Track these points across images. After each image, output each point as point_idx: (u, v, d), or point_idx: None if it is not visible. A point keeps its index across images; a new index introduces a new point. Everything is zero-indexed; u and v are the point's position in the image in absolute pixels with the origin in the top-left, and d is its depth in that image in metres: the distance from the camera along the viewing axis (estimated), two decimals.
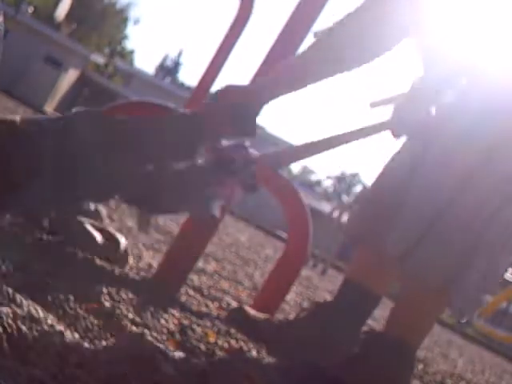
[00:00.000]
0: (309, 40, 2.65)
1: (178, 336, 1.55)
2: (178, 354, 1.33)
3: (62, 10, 25.98)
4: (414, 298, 1.63)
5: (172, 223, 4.23)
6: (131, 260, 2.23)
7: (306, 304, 3.47)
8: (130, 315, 1.52)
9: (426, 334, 1.70)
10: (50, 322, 1.16)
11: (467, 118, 1.59)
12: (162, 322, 1.60)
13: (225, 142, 1.57)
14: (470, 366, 4.92)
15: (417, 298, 1.62)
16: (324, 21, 2.87)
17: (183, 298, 2.04)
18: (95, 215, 2.38)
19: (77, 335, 1.22)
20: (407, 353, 1.61)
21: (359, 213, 1.84)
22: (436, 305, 1.65)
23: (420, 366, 3.02)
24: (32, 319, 1.14)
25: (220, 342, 1.64)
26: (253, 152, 2.20)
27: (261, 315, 1.95)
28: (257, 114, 1.60)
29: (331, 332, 1.77)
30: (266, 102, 1.61)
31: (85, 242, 1.96)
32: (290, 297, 3.34)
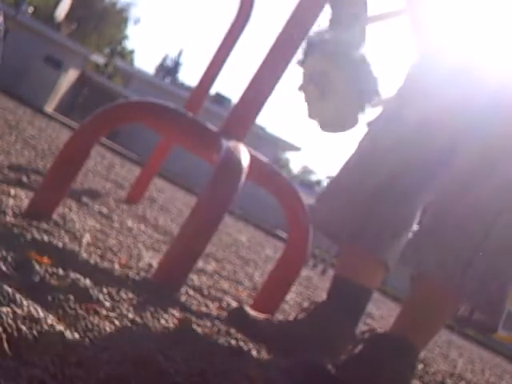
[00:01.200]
0: None
1: (177, 336, 1.55)
2: (178, 354, 1.33)
3: (61, 10, 25.96)
4: (423, 300, 1.62)
5: (172, 223, 4.23)
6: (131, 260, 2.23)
7: (305, 304, 3.47)
8: (130, 315, 1.52)
9: (432, 336, 1.69)
10: (49, 321, 1.16)
11: (469, 115, 1.59)
12: (162, 322, 1.60)
13: None
14: (470, 365, 4.92)
15: (426, 301, 1.62)
16: (323, 21, 2.87)
17: (183, 298, 2.04)
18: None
19: (77, 335, 1.22)
20: (410, 354, 1.61)
21: (337, 206, 1.81)
22: (444, 308, 1.64)
23: (420, 366, 3.02)
24: (32, 319, 1.14)
25: (220, 342, 1.64)
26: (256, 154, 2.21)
27: (261, 315, 1.95)
28: None
29: (331, 331, 1.76)
30: None
31: None
32: (290, 297, 3.34)
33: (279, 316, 2.47)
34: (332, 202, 1.80)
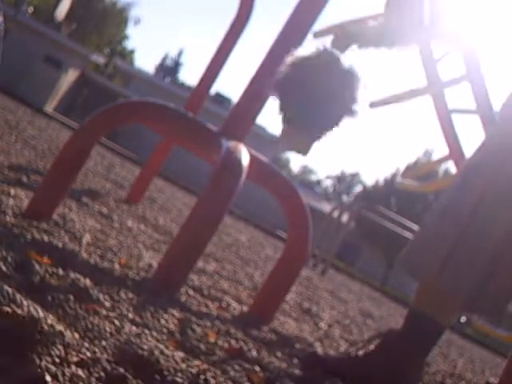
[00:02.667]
0: (308, 40, 2.65)
1: (178, 336, 1.55)
2: (178, 354, 1.33)
3: (62, 10, 25.97)
4: None
5: (172, 223, 4.22)
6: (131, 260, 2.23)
7: (306, 304, 3.47)
8: (130, 315, 1.52)
9: None
10: (49, 321, 1.16)
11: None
12: (162, 321, 1.60)
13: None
14: (470, 365, 4.92)
15: None
16: (324, 21, 2.87)
17: (183, 298, 2.04)
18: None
19: (77, 335, 1.22)
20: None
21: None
22: None
23: None
24: (32, 319, 1.14)
25: (220, 342, 1.64)
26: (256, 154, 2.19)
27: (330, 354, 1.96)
28: None
29: (406, 365, 1.75)
30: None
31: None
32: (290, 297, 3.34)
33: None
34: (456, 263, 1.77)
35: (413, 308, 1.81)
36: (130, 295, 1.68)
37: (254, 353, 1.67)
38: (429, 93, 4.08)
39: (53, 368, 1.04)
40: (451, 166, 5.60)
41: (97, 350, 1.20)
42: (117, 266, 2.02)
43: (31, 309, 1.18)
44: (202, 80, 4.52)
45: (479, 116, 3.77)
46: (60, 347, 1.11)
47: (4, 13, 1.64)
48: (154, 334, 1.45)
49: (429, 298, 1.79)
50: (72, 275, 1.58)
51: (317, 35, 3.52)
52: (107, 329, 1.34)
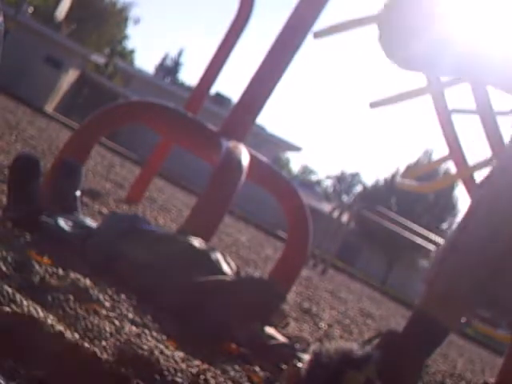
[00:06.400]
0: (308, 40, 2.66)
1: (178, 336, 1.55)
2: (178, 354, 1.33)
3: (61, 10, 25.99)
4: None
5: (172, 223, 4.22)
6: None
7: (306, 304, 3.47)
8: (130, 315, 1.52)
9: None
10: (49, 322, 1.16)
11: None
12: (162, 321, 1.60)
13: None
14: (470, 366, 4.92)
15: None
16: (324, 21, 2.87)
17: None
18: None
19: (77, 335, 1.22)
20: None
21: None
22: None
23: None
24: (32, 319, 1.14)
25: (219, 342, 1.64)
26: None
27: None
28: None
29: (405, 366, 1.75)
30: None
31: None
32: (290, 297, 3.34)
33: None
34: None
35: (417, 309, 1.81)
36: (130, 295, 1.68)
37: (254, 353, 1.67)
38: (429, 93, 4.08)
39: (53, 368, 1.04)
40: (451, 166, 5.60)
41: (97, 350, 1.20)
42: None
43: (31, 309, 1.19)
44: (202, 80, 4.52)
45: (479, 116, 3.77)
46: (60, 347, 1.11)
47: (4, 13, 1.64)
48: (154, 334, 1.45)
49: (433, 299, 1.78)
50: (72, 275, 1.57)
51: (317, 35, 3.52)
52: (107, 329, 1.34)
